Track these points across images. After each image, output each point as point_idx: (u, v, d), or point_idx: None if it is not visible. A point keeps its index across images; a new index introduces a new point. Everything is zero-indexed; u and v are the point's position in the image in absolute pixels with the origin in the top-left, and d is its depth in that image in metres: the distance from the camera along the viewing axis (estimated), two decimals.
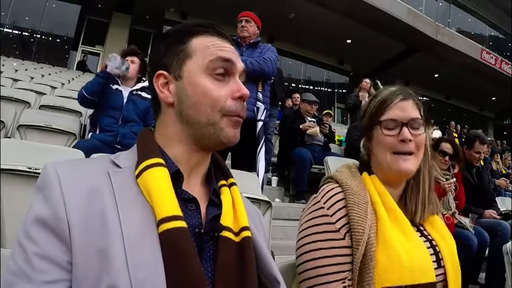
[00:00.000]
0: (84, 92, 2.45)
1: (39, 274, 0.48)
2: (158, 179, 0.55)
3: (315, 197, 0.88)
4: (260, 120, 2.69)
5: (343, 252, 0.79)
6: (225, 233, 0.58)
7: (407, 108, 0.88)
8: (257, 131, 2.66)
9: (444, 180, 2.51)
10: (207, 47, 0.62)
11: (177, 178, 0.59)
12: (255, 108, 2.67)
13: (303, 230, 0.85)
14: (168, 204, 0.53)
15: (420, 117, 0.88)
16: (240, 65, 0.65)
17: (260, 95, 2.74)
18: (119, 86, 2.57)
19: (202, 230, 0.58)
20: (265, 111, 2.74)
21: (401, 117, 0.87)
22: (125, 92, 2.55)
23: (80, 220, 0.50)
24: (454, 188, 2.51)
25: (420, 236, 0.86)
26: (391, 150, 0.86)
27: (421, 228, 0.90)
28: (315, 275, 0.79)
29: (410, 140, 0.85)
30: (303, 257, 0.83)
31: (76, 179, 0.53)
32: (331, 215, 0.82)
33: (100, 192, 0.52)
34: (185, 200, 0.58)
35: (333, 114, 6.47)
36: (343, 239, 0.80)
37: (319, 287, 0.79)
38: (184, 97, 0.61)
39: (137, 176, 0.56)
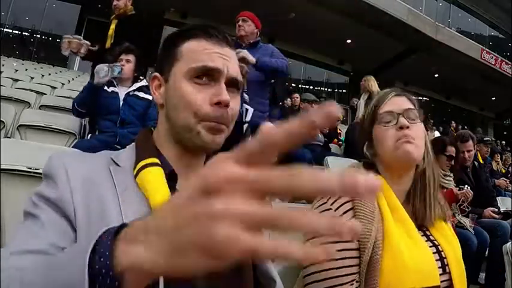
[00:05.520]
0: (75, 105, 2.47)
1: (47, 234, 0.49)
2: (154, 177, 0.57)
3: (321, 198, 0.87)
4: (246, 122, 2.65)
5: (351, 254, 0.79)
6: None
7: (401, 102, 0.91)
8: (243, 132, 2.63)
9: (446, 181, 2.51)
10: (194, 52, 0.62)
11: (172, 178, 0.60)
12: (244, 110, 2.64)
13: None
14: (163, 200, 0.54)
15: (415, 109, 0.90)
16: (229, 71, 0.62)
17: (246, 96, 2.69)
18: (115, 87, 2.54)
19: None
20: (251, 112, 2.70)
21: (396, 108, 0.89)
22: (121, 93, 2.51)
23: (83, 205, 0.52)
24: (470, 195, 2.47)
25: (426, 241, 0.86)
26: (393, 140, 0.87)
27: (427, 232, 0.89)
28: (323, 277, 0.79)
29: (408, 127, 0.86)
30: None
31: (80, 168, 0.56)
32: (339, 217, 0.82)
33: (102, 184, 0.55)
34: None
35: (340, 117, 6.45)
36: (351, 240, 0.79)
37: None
38: (168, 99, 0.64)
39: (135, 175, 0.58)
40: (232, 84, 0.63)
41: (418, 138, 0.87)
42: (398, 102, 0.91)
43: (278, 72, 2.72)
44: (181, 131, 0.62)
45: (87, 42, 2.76)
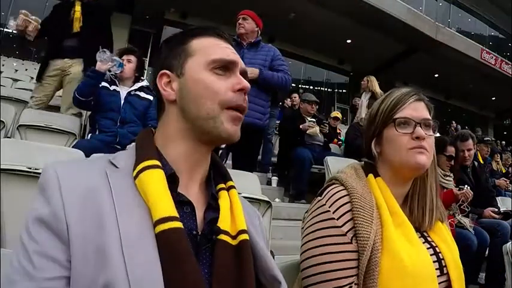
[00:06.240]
0: (76, 94, 2.45)
1: (40, 272, 0.49)
2: (154, 180, 0.56)
3: (320, 200, 0.86)
4: None
5: (349, 256, 0.78)
6: (222, 236, 0.58)
7: (420, 109, 0.89)
8: None
9: (446, 181, 2.51)
10: (208, 47, 0.66)
11: (173, 181, 0.59)
12: None
13: (308, 234, 0.83)
14: (164, 205, 0.53)
15: (431, 119, 0.89)
16: (241, 63, 0.67)
17: None
18: (117, 86, 2.55)
19: (198, 233, 0.58)
20: None
21: (414, 116, 0.87)
22: (123, 92, 2.52)
23: (78, 220, 0.51)
24: (470, 195, 2.46)
25: (424, 243, 0.85)
26: (407, 147, 0.86)
27: (425, 234, 0.89)
28: (321, 280, 0.78)
29: (423, 138, 0.85)
30: (308, 262, 0.81)
31: (74, 180, 0.55)
32: (337, 219, 0.80)
33: (98, 193, 0.54)
34: (181, 202, 0.58)
35: (340, 117, 6.45)
36: (350, 243, 0.79)
37: None
38: (185, 92, 0.63)
39: (135, 177, 0.57)
40: (243, 76, 0.67)
41: (430, 148, 0.87)
42: (417, 108, 0.89)
43: (278, 88, 2.78)
44: (203, 122, 0.62)
45: (39, 27, 2.75)
